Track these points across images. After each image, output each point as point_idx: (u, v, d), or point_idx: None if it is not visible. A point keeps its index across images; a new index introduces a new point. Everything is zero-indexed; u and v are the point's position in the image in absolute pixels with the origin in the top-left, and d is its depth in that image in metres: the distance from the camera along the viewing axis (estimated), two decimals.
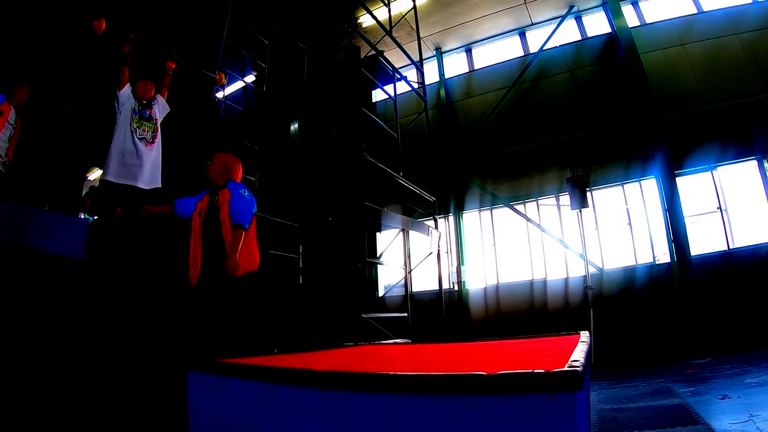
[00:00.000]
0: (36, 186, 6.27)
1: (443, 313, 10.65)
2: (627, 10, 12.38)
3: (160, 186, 5.49)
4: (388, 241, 13.42)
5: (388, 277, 14.40)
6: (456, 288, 13.17)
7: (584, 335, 2.90)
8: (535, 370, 1.44)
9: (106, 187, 5.20)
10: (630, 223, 11.39)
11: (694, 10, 11.78)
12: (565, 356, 1.97)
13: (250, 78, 12.42)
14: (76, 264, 6.13)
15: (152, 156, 5.45)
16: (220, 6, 9.60)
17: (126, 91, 5.42)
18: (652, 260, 10.93)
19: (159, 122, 5.64)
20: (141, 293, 5.73)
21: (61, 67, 7.92)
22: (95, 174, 18.20)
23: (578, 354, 1.90)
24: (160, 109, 5.73)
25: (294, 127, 12.80)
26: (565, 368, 1.46)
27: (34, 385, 4.09)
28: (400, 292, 11.84)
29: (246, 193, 4.55)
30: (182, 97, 7.16)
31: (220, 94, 10.20)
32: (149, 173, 5.38)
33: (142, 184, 5.30)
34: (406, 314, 9.75)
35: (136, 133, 5.31)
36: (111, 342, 5.02)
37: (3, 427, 3.60)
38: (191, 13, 9.99)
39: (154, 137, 5.49)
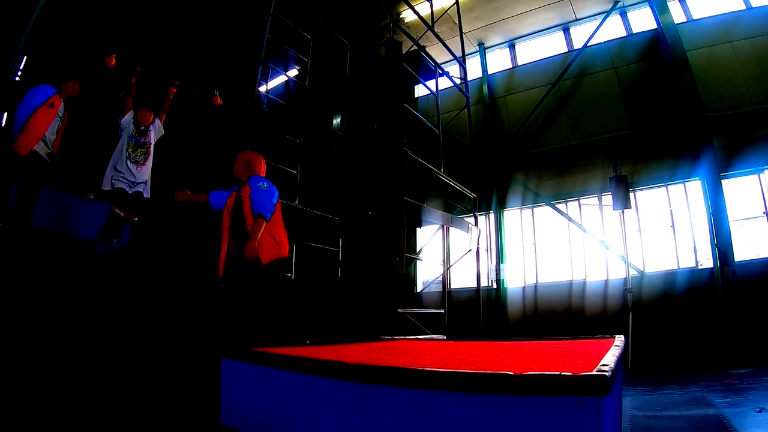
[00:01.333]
0: (82, 175, 6.49)
1: (480, 311, 10.60)
2: (673, 6, 12.09)
3: (146, 196, 6.36)
4: (427, 236, 13.42)
5: (427, 273, 14.40)
6: (494, 286, 13.06)
7: (619, 339, 2.86)
8: (562, 373, 1.43)
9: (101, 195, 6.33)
10: (673, 226, 11.13)
11: (742, 6, 11.42)
12: (596, 360, 1.95)
13: (293, 72, 12.52)
14: (121, 251, 6.33)
15: (142, 174, 6.30)
16: (263, 1, 9.71)
17: (128, 118, 6.25)
18: (694, 265, 10.65)
19: (152, 145, 6.45)
20: (178, 281, 5.89)
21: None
22: None
23: (609, 358, 1.88)
24: (156, 132, 6.54)
25: (336, 121, 12.89)
26: (593, 372, 1.45)
27: (75, 365, 4.20)
28: (438, 288, 11.84)
29: (265, 185, 4.79)
30: (225, 92, 7.30)
31: (263, 89, 10.32)
32: (136, 186, 6.25)
33: (130, 191, 6.18)
34: (442, 311, 9.75)
35: (130, 158, 6.16)
36: (147, 327, 5.14)
37: (48, 399, 3.71)
38: (235, 8, 10.13)
39: (145, 159, 6.33)
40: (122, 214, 6.11)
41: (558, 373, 1.45)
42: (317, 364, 2.28)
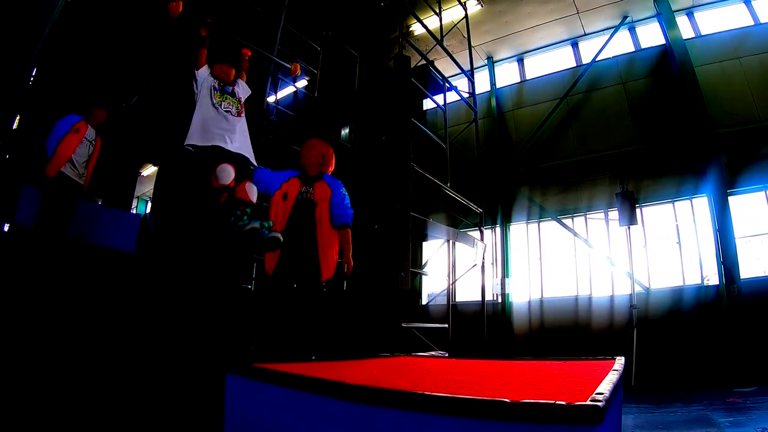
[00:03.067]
0: (92, 181, 6.55)
1: (485, 326, 10.60)
2: (681, 21, 12.15)
3: (251, 159, 4.98)
4: (432, 250, 13.44)
5: (432, 285, 14.41)
6: (499, 300, 13.06)
7: (619, 363, 2.88)
8: (557, 402, 1.47)
9: (190, 154, 4.86)
10: (679, 243, 11.12)
11: (751, 22, 11.47)
12: (593, 385, 1.99)
13: (302, 83, 12.61)
14: (126, 258, 6.37)
15: (240, 126, 5.05)
16: (274, 12, 9.80)
17: (204, 71, 5.18)
18: (700, 281, 10.64)
19: (242, 101, 5.30)
20: (190, 289, 5.89)
21: (121, 64, 8.19)
22: (149, 170, 18.76)
23: (605, 386, 1.91)
24: (243, 90, 5.43)
25: (344, 132, 12.95)
26: (587, 402, 1.48)
27: (77, 375, 4.24)
28: (443, 301, 11.84)
29: (345, 192, 4.46)
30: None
31: (271, 99, 10.39)
32: (238, 139, 4.91)
33: (231, 146, 4.78)
34: (446, 325, 9.76)
35: (220, 107, 4.93)
36: (156, 336, 5.17)
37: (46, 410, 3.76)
38: (245, 19, 10.23)
39: (239, 112, 5.11)
40: (229, 184, 4.59)
41: (552, 402, 1.48)
42: (319, 383, 2.32)
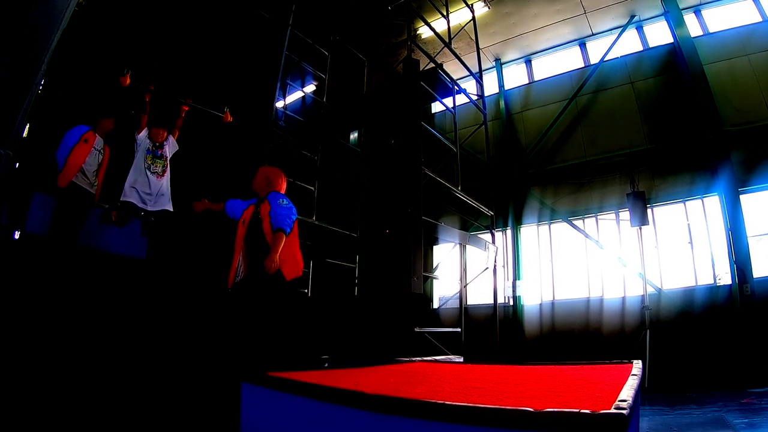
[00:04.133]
0: (102, 188, 6.58)
1: (497, 329, 10.57)
2: (689, 19, 12.09)
3: (170, 209, 6.45)
4: (444, 252, 13.42)
5: (443, 289, 14.37)
6: (511, 303, 12.99)
7: (636, 366, 2.86)
8: (581, 410, 1.45)
9: (123, 206, 6.26)
10: (691, 242, 11.04)
11: (759, 18, 11.38)
12: (614, 391, 1.97)
13: (310, 88, 12.63)
14: (136, 264, 6.41)
15: (161, 185, 6.39)
16: (281, 18, 9.82)
17: (143, 134, 6.40)
18: (712, 281, 10.54)
19: (168, 159, 6.56)
20: (198, 296, 5.92)
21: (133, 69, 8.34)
22: None
23: (627, 392, 1.89)
24: (170, 148, 6.64)
25: (353, 136, 12.95)
26: (612, 410, 1.46)
27: (90, 381, 4.25)
28: (455, 304, 11.80)
29: (284, 202, 4.80)
30: (242, 108, 7.40)
31: (280, 104, 10.41)
32: (156, 200, 6.33)
33: (148, 207, 6.29)
34: (459, 329, 9.73)
35: (149, 168, 6.30)
36: (169, 343, 5.18)
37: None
38: (253, 25, 10.26)
39: (164, 171, 6.44)
40: (112, 217, 6.26)
41: (577, 410, 1.46)
42: (336, 393, 2.30)
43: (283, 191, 5.11)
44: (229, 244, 4.87)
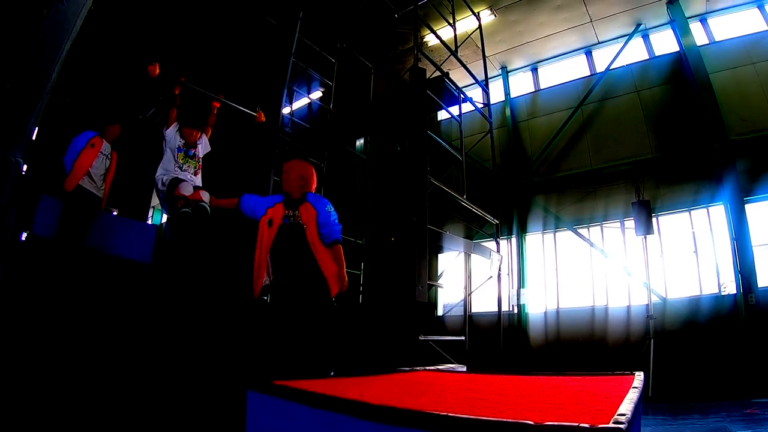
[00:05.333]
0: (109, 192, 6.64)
1: (501, 337, 10.58)
2: (695, 27, 12.12)
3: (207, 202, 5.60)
4: (448, 260, 13.44)
5: (448, 296, 14.38)
6: (515, 311, 12.98)
7: (638, 378, 2.87)
8: (580, 424, 1.49)
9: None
10: (696, 251, 11.02)
11: (765, 27, 11.39)
12: (614, 404, 2.00)
13: (317, 95, 12.69)
14: (143, 268, 6.44)
15: (196, 181, 5.95)
16: (289, 25, 9.89)
17: (172, 130, 5.94)
18: (717, 291, 10.51)
19: (201, 159, 6.16)
20: (208, 302, 5.94)
21: (136, 81, 8.36)
22: None
23: (626, 405, 1.91)
24: (203, 148, 6.23)
25: (359, 143, 13.01)
26: (610, 424, 1.50)
27: (93, 385, 4.28)
28: (459, 312, 11.82)
29: (330, 209, 4.38)
30: (249, 114, 7.43)
31: (287, 110, 10.47)
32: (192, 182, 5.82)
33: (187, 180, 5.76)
34: (463, 338, 9.75)
35: (181, 168, 5.85)
36: (174, 349, 5.20)
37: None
38: (260, 32, 10.34)
39: (196, 172, 6.03)
40: (187, 195, 5.44)
41: (576, 424, 1.50)
42: (341, 402, 2.33)
43: (314, 189, 4.63)
44: (247, 246, 4.52)
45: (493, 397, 2.58)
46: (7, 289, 4.67)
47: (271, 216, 4.33)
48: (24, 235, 6.03)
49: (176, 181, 5.63)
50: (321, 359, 4.19)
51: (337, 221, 4.33)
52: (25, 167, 5.68)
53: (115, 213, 7.83)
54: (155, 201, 19.96)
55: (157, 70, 5.84)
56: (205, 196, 5.52)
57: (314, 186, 4.62)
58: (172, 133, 5.91)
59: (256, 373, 4.02)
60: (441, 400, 2.57)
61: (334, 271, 4.22)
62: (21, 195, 5.45)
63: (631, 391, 2.40)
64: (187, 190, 5.42)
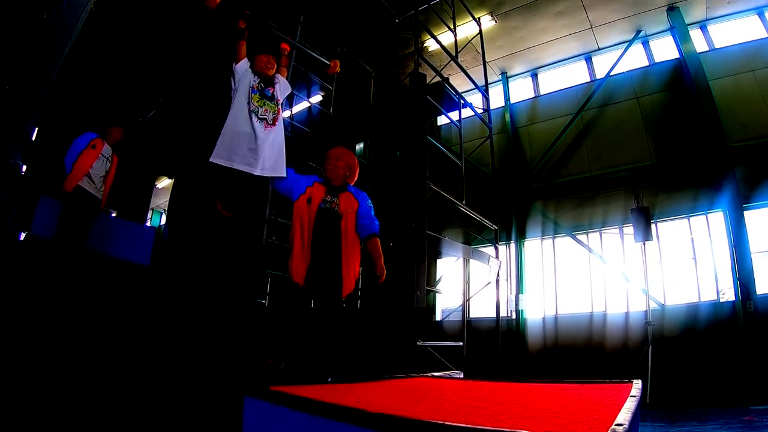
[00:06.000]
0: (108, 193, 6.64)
1: (499, 343, 10.57)
2: (695, 34, 12.13)
3: (283, 175, 4.73)
4: (447, 265, 13.42)
5: (446, 301, 14.36)
6: (514, 317, 12.95)
7: (636, 387, 2.87)
8: None
9: (214, 171, 4.57)
10: (695, 258, 11.00)
11: (765, 34, 11.42)
12: (612, 413, 1.99)
13: (317, 98, 12.68)
14: (141, 270, 6.44)
15: (272, 139, 4.74)
16: (288, 28, 9.89)
17: (243, 65, 4.85)
18: (716, 297, 10.49)
19: (281, 102, 5.02)
20: (205, 303, 5.92)
21: (136, 84, 8.33)
22: (164, 183, 18.89)
23: (624, 415, 1.91)
24: (282, 88, 5.10)
25: (359, 148, 13.01)
26: None
27: (89, 387, 4.27)
28: (457, 317, 11.79)
29: (371, 204, 4.36)
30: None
31: (286, 114, 10.45)
32: (267, 160, 4.67)
33: (258, 171, 4.61)
34: (461, 343, 9.73)
35: (256, 113, 4.67)
36: (171, 352, 5.19)
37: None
38: (259, 35, 10.34)
39: (275, 119, 4.81)
40: (228, 214, 4.81)
41: None
42: (339, 409, 2.33)
43: (354, 183, 4.51)
44: (247, 249, 4.43)
45: (491, 405, 2.58)
46: (5, 289, 4.67)
47: (311, 195, 4.22)
48: (23, 235, 6.06)
49: (232, 179, 4.61)
50: (319, 363, 4.16)
51: (375, 218, 4.27)
52: (24, 168, 5.70)
53: (114, 214, 7.82)
54: (154, 202, 20.00)
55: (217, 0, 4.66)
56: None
57: (356, 179, 4.53)
58: (242, 68, 4.83)
59: (252, 379, 4.01)
60: (439, 407, 2.57)
61: (356, 267, 4.19)
62: (20, 195, 5.46)
63: (628, 400, 2.40)
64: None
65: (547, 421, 1.99)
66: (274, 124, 4.75)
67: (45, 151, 7.32)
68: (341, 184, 4.35)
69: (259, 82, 4.82)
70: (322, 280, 4.05)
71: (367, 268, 11.28)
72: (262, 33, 5.31)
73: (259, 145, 4.57)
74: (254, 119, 4.61)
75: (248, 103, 4.66)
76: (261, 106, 4.70)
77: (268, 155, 4.65)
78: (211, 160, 4.46)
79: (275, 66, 5.05)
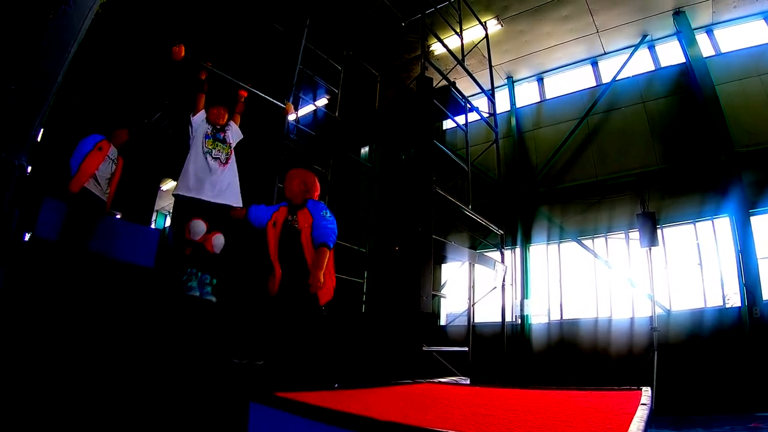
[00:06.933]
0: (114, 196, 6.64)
1: (504, 348, 10.53)
2: (701, 39, 12.10)
3: (237, 205, 5.60)
4: (452, 270, 13.39)
5: (451, 305, 14.32)
6: (519, 322, 12.88)
7: (645, 395, 2.84)
8: None
9: (178, 202, 5.52)
10: (701, 264, 10.95)
11: None
12: (624, 422, 1.97)
13: (322, 102, 12.68)
14: (145, 272, 6.41)
15: (225, 175, 5.63)
16: (295, 32, 9.90)
17: (200, 116, 5.72)
18: (722, 303, 10.44)
19: (233, 146, 5.86)
20: (210, 307, 5.90)
21: (142, 86, 8.33)
22: (169, 185, 18.91)
23: (637, 424, 1.89)
24: (234, 134, 5.97)
25: (364, 151, 13.00)
26: None
27: (93, 392, 4.25)
28: (462, 321, 11.77)
29: (328, 214, 4.49)
30: (255, 120, 7.41)
31: (292, 117, 10.47)
32: (222, 189, 5.57)
33: (213, 197, 5.49)
34: (467, 348, 9.71)
35: (210, 154, 5.54)
36: (176, 356, 5.17)
37: None
38: (267, 38, 10.34)
39: (227, 159, 5.69)
40: (197, 240, 5.42)
41: None
42: (346, 417, 2.30)
43: (317, 197, 4.78)
44: (261, 251, 4.62)
45: (501, 414, 2.55)
46: (9, 291, 4.65)
47: (275, 219, 4.56)
48: (27, 237, 6.04)
49: (188, 215, 5.44)
50: (305, 365, 4.27)
51: (331, 227, 4.44)
52: (29, 169, 5.70)
53: (118, 216, 7.82)
54: (159, 204, 20.06)
55: (183, 53, 5.49)
56: (219, 241, 5.58)
57: (317, 193, 4.78)
58: (199, 119, 5.72)
59: (258, 385, 3.99)
60: (448, 416, 2.54)
61: (328, 277, 4.37)
62: (24, 197, 5.45)
63: (640, 408, 2.37)
64: (197, 232, 5.38)
65: (560, 430, 1.96)
66: (227, 163, 5.66)
67: (50, 153, 7.31)
68: (300, 201, 4.64)
69: (213, 129, 5.70)
70: (293, 290, 4.33)
71: (371, 277, 11.30)
72: (222, 81, 6.10)
73: (214, 179, 5.48)
74: (209, 159, 5.51)
75: (203, 145, 5.55)
76: (214, 148, 5.59)
77: (223, 187, 5.55)
78: (174, 193, 5.37)
79: (227, 116, 5.91)
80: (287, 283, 4.36)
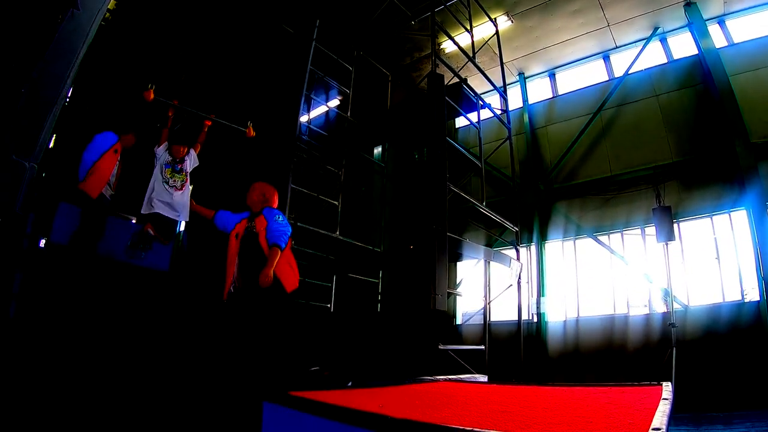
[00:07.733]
0: (125, 198, 6.73)
1: (521, 346, 10.46)
2: (713, 30, 11.94)
3: (186, 220, 6.56)
4: (467, 268, 13.32)
5: (467, 304, 14.24)
6: (535, 320, 12.77)
7: (666, 389, 2.79)
8: None
9: (140, 218, 6.53)
10: (718, 258, 10.80)
11: None
12: (646, 417, 1.92)
13: (334, 102, 12.68)
14: (160, 276, 6.46)
15: (180, 198, 6.46)
16: (305, 33, 9.90)
17: (163, 148, 6.53)
18: (740, 298, 10.27)
19: (188, 173, 6.67)
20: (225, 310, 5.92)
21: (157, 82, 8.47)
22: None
23: (660, 418, 1.84)
24: (191, 162, 6.77)
25: (377, 151, 12.99)
26: None
27: (106, 393, 4.25)
28: (478, 320, 11.71)
29: (281, 218, 5.05)
30: (266, 121, 7.45)
31: (304, 119, 10.50)
32: (176, 210, 6.42)
33: (171, 215, 6.41)
34: (483, 347, 9.66)
35: (167, 182, 6.38)
36: (191, 358, 5.20)
37: None
38: (277, 40, 10.35)
39: (183, 185, 6.52)
40: (153, 233, 6.45)
41: None
42: (361, 415, 2.27)
43: (275, 206, 5.38)
44: (222, 256, 5.06)
45: (519, 410, 2.50)
46: (25, 295, 4.67)
47: (238, 230, 5.16)
48: (42, 242, 6.06)
49: (152, 219, 6.38)
50: (272, 356, 4.79)
51: (283, 229, 4.95)
52: (43, 175, 5.73)
53: (133, 221, 7.86)
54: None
55: (152, 95, 6.28)
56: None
57: (275, 203, 5.41)
58: (161, 151, 6.52)
59: (272, 384, 3.98)
60: (465, 413, 2.50)
61: (288, 269, 4.94)
62: (39, 201, 5.47)
63: (662, 402, 2.32)
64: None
65: (580, 426, 1.92)
66: (182, 188, 6.48)
67: (64, 158, 7.34)
68: (259, 210, 5.24)
69: (172, 160, 6.50)
70: (255, 284, 4.73)
71: (386, 276, 11.29)
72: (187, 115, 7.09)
73: (169, 201, 6.32)
74: (167, 186, 6.36)
75: (162, 174, 6.39)
76: (171, 177, 6.41)
77: (177, 207, 6.39)
78: (141, 212, 6.26)
79: (186, 150, 6.66)
80: (249, 279, 4.84)
